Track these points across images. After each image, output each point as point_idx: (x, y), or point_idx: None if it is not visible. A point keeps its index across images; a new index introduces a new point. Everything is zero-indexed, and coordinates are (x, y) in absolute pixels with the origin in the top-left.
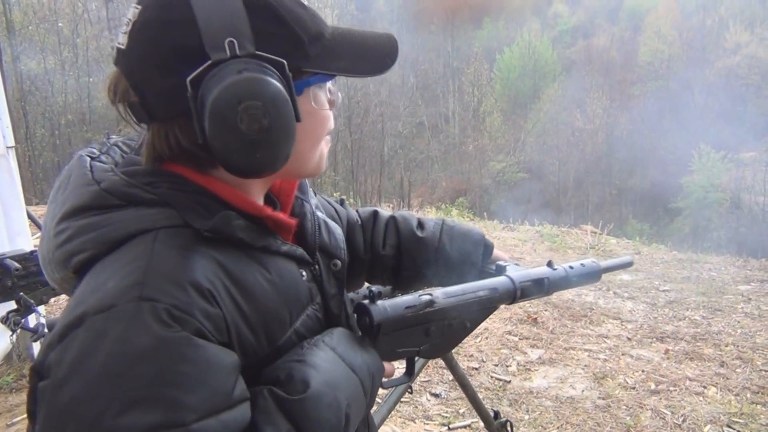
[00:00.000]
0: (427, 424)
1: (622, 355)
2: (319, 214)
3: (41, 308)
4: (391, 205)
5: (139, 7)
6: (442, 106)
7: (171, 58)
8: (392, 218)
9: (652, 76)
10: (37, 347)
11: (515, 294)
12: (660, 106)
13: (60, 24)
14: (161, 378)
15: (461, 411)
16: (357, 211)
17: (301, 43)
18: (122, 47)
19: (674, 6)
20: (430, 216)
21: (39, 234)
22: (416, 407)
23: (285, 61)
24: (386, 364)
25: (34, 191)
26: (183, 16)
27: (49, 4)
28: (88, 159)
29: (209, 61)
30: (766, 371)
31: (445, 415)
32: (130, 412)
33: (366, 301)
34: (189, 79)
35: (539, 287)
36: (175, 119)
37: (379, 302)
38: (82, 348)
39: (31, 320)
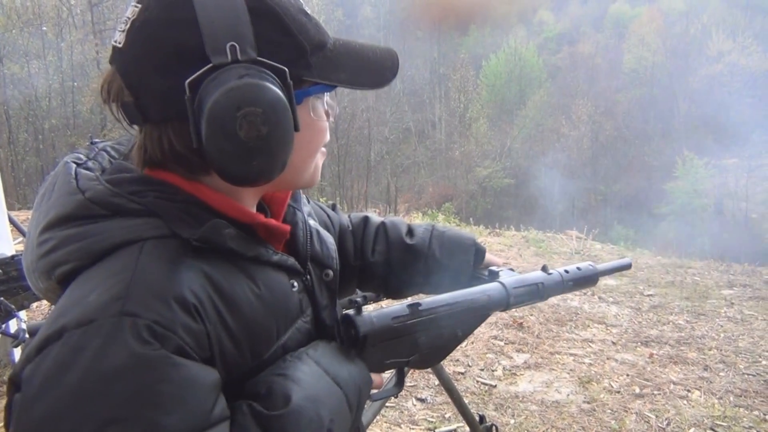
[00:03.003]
0: (413, 428)
1: (607, 359)
2: (311, 222)
3: (22, 313)
4: (377, 210)
5: (140, 5)
6: (428, 112)
7: (170, 58)
8: (382, 224)
9: (636, 83)
10: (18, 353)
11: (508, 301)
12: (644, 112)
13: (44, 28)
14: (139, 397)
15: (447, 415)
16: (349, 216)
17: (303, 51)
18: (119, 46)
19: (658, 14)
20: (417, 221)
21: (21, 239)
22: (402, 412)
23: (287, 69)
24: (375, 376)
25: (16, 196)
26: (185, 17)
27: (33, 8)
28: (74, 166)
29: (210, 64)
30: (748, 374)
31: (431, 419)
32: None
33: (352, 312)
34: (188, 81)
35: (533, 293)
36: (169, 122)
37: (365, 313)
38: (58, 363)
39: (12, 325)
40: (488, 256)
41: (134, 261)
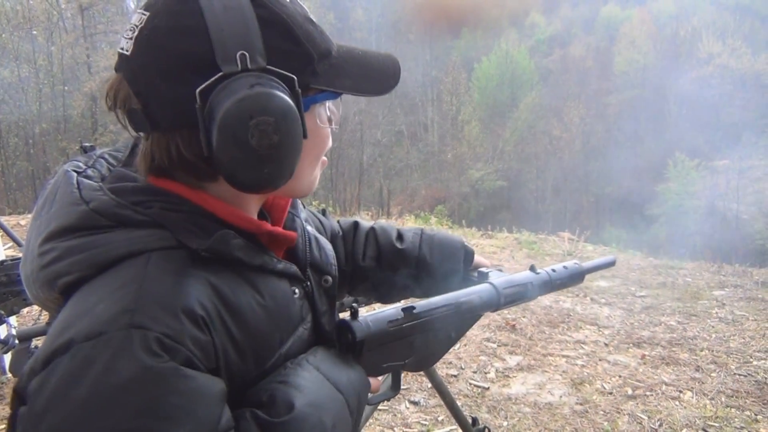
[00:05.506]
0: (406, 431)
1: (600, 360)
2: (309, 228)
3: (13, 319)
4: (370, 213)
5: (147, 13)
6: (420, 115)
7: (179, 67)
8: (372, 229)
9: (627, 86)
10: (7, 359)
11: (499, 301)
12: (635, 114)
13: (34, 32)
14: (149, 410)
15: (440, 418)
16: (338, 221)
17: (310, 59)
18: (126, 53)
19: (648, 17)
20: (410, 224)
21: (11, 244)
22: (395, 415)
23: (295, 77)
24: (372, 380)
25: (7, 201)
26: (195, 25)
27: (23, 12)
28: (74, 175)
29: (220, 73)
30: (740, 375)
31: (424, 422)
32: None
33: (348, 318)
34: (198, 90)
35: (523, 293)
36: (177, 129)
37: (361, 318)
38: (66, 376)
39: (2, 331)
40: (477, 258)
41: (141, 273)
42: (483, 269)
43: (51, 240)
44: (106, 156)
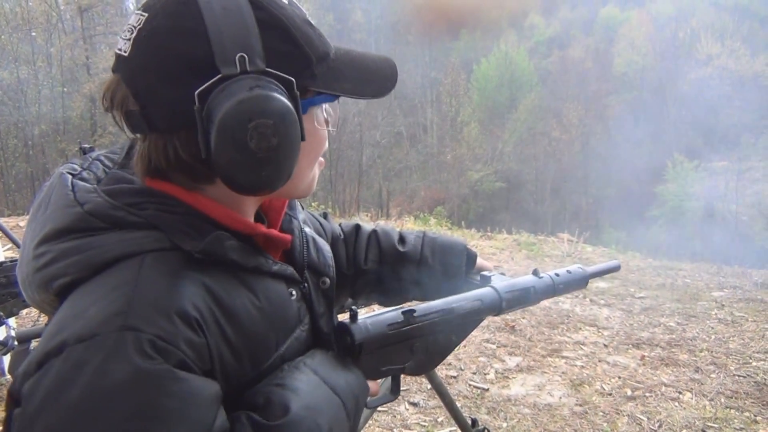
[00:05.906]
0: None
1: (599, 361)
2: (306, 230)
3: (12, 320)
4: (369, 215)
5: (146, 14)
6: (420, 116)
7: (178, 68)
8: (374, 232)
9: (626, 87)
10: (6, 360)
11: (501, 305)
12: (634, 116)
13: (33, 33)
14: (142, 413)
15: (440, 419)
16: (340, 224)
17: (309, 62)
18: (124, 54)
19: (647, 18)
20: (409, 225)
21: (10, 245)
22: (395, 416)
23: (294, 80)
24: (371, 383)
25: (6, 202)
26: (194, 27)
27: (22, 14)
28: (70, 177)
29: (219, 75)
30: (739, 376)
31: (424, 423)
32: None
33: (347, 320)
34: (197, 92)
35: (525, 297)
36: (175, 131)
37: (360, 320)
38: (60, 378)
39: (1, 333)
40: (479, 261)
41: (135, 275)
42: (485, 272)
43: (46, 242)
44: (102, 158)
